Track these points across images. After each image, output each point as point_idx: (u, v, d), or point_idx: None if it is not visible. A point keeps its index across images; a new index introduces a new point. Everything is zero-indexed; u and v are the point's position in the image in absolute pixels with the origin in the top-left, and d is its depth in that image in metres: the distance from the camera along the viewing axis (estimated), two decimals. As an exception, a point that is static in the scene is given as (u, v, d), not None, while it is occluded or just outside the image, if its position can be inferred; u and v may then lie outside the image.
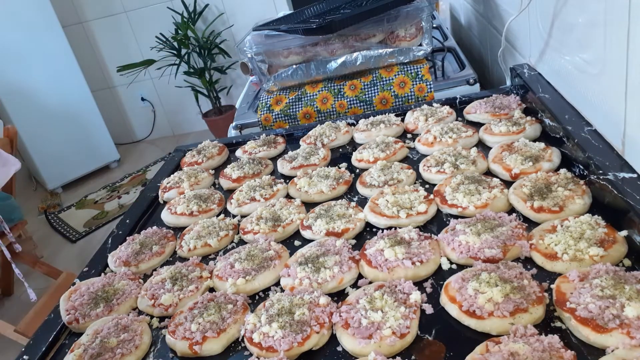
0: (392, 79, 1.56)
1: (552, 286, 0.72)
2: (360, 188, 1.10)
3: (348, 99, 1.58)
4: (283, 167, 1.27)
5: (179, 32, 3.93)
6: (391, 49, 1.55)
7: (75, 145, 4.05)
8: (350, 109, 1.59)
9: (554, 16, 1.12)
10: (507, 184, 0.97)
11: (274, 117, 1.62)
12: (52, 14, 3.83)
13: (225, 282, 0.89)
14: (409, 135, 1.30)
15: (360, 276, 0.86)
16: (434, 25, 2.09)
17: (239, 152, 1.43)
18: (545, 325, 0.68)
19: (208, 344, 0.77)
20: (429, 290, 0.79)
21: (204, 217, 1.14)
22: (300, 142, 1.39)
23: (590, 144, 0.93)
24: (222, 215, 1.14)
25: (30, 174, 4.25)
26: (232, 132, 1.72)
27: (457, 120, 1.29)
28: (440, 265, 0.84)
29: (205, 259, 1.02)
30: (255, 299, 0.88)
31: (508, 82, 1.41)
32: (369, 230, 0.98)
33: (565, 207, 0.85)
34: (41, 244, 3.41)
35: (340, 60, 1.57)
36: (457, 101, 1.38)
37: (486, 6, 1.77)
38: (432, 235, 0.89)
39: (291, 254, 0.94)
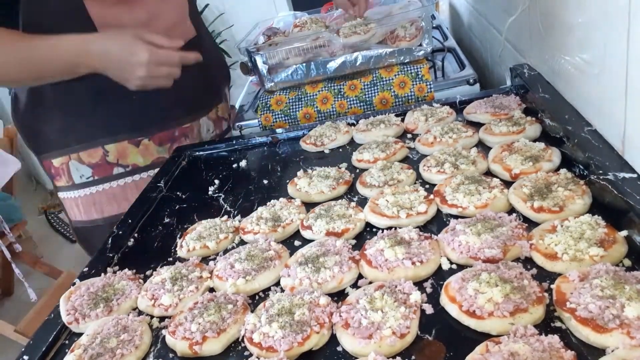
0: (392, 79, 1.56)
1: (552, 286, 0.72)
2: (360, 188, 1.10)
3: (348, 99, 1.58)
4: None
5: (179, 32, 3.93)
6: (391, 49, 1.55)
7: (75, 145, 4.04)
8: (350, 109, 1.59)
9: (554, 16, 1.12)
10: (507, 184, 0.97)
11: (274, 117, 1.62)
12: (52, 14, 3.83)
13: (225, 282, 0.89)
14: (409, 136, 1.30)
15: (360, 276, 0.86)
16: (434, 25, 2.09)
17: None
18: (545, 326, 0.68)
19: (208, 344, 0.77)
20: (429, 290, 0.79)
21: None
22: (301, 142, 1.39)
23: (591, 144, 0.93)
24: (225, 217, 1.13)
25: (30, 174, 4.26)
26: (232, 132, 1.72)
27: (457, 120, 1.29)
28: (440, 265, 0.84)
29: (205, 259, 1.02)
30: (255, 299, 0.88)
31: (508, 82, 1.41)
32: (369, 230, 0.98)
33: (566, 207, 0.85)
34: (41, 244, 3.41)
35: (340, 60, 1.58)
36: (457, 101, 1.38)
37: (486, 6, 1.77)
38: (432, 235, 0.89)
39: (291, 254, 0.94)
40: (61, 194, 1.49)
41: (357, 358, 0.71)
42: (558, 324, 0.68)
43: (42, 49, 1.16)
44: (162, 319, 0.88)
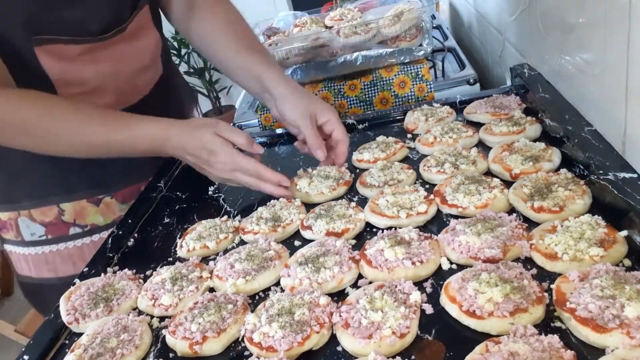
0: (392, 79, 1.56)
1: (552, 286, 0.72)
2: (360, 188, 1.10)
3: (348, 99, 1.58)
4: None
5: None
6: (391, 49, 1.55)
7: (76, 145, 4.03)
8: (350, 109, 1.59)
9: (554, 16, 1.12)
10: (508, 184, 0.97)
11: (274, 117, 1.62)
12: (52, 14, 3.82)
13: (225, 282, 0.89)
14: (409, 135, 1.30)
15: (360, 276, 0.86)
16: (434, 25, 2.09)
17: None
18: (545, 325, 0.68)
19: (208, 344, 0.77)
20: (429, 290, 0.80)
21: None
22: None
23: (591, 144, 0.93)
24: (225, 217, 1.13)
25: (30, 174, 4.25)
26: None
27: (457, 120, 1.29)
28: (440, 265, 0.84)
29: (205, 259, 1.02)
30: (255, 299, 0.88)
31: (508, 82, 1.41)
32: (369, 230, 0.98)
33: (566, 207, 0.85)
34: (41, 244, 3.41)
35: (340, 60, 1.58)
36: (458, 101, 1.38)
37: (486, 6, 1.77)
38: (432, 235, 0.89)
39: (291, 254, 0.94)
40: (8, 247, 1.32)
41: (357, 358, 0.71)
42: (558, 323, 0.68)
43: (119, 141, 1.07)
44: (162, 319, 0.88)
